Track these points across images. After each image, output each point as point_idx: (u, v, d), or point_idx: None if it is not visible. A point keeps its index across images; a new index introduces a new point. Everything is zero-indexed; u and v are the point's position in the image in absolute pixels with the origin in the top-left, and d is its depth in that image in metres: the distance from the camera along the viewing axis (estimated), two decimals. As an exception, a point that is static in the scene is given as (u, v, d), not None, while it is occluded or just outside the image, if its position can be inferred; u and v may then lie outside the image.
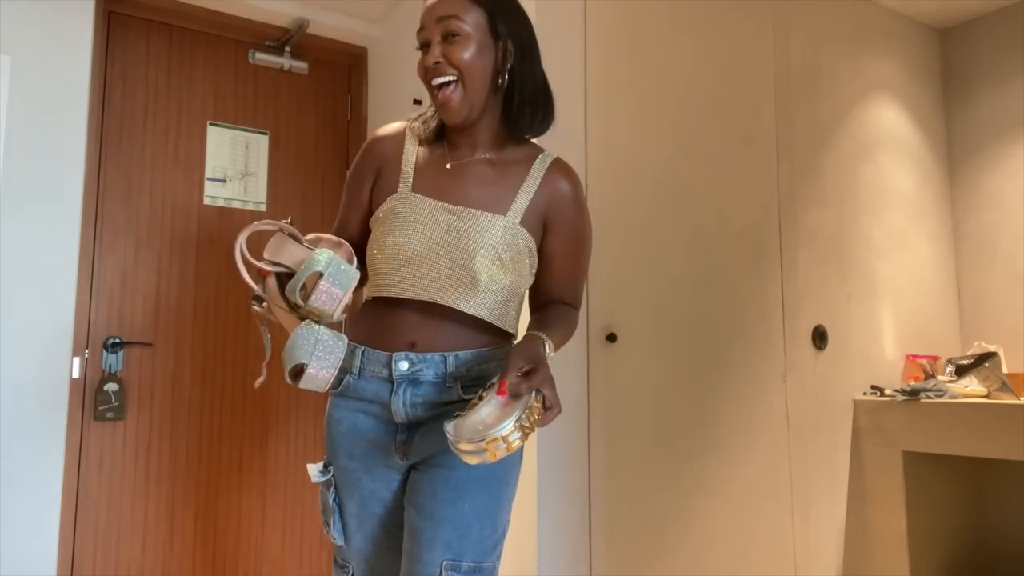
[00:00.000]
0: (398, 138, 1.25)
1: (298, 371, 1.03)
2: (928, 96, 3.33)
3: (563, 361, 2.05)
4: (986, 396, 2.59)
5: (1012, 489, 2.88)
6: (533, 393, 1.00)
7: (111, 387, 2.33)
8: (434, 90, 1.16)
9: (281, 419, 2.67)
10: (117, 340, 2.36)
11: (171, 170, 2.55)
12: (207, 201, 2.61)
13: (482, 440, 0.95)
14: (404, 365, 1.14)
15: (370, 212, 1.25)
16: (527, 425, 0.97)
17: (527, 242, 1.19)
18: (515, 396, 0.99)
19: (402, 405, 1.15)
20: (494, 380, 1.05)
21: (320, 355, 1.03)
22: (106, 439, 2.34)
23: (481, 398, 1.04)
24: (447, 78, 1.14)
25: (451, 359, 1.15)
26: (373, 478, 1.19)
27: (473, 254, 1.13)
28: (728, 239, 2.49)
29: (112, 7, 2.46)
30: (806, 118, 2.80)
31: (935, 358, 3.03)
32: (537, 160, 1.22)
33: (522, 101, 1.20)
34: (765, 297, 2.56)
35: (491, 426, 0.96)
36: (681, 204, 2.39)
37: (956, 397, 2.57)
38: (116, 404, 2.32)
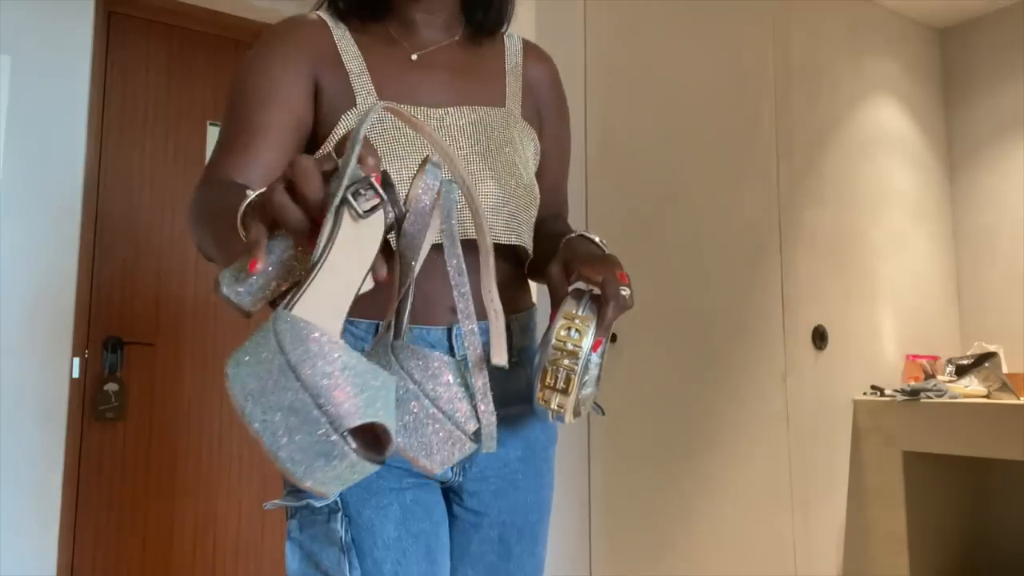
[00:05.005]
0: (320, 26, 0.89)
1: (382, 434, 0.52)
2: (928, 96, 3.33)
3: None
4: (986, 396, 2.59)
5: (1012, 489, 2.88)
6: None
7: (111, 387, 2.33)
8: None
9: (281, 419, 2.66)
10: (117, 340, 2.36)
11: (171, 170, 2.55)
12: (207, 201, 2.61)
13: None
14: (457, 338, 0.82)
15: (304, 125, 0.85)
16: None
17: (532, 138, 0.93)
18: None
19: None
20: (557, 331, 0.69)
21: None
22: (106, 439, 2.33)
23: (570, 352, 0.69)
24: None
25: (514, 325, 0.87)
26: (419, 480, 0.83)
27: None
28: (728, 239, 2.49)
29: (112, 7, 2.46)
30: (806, 118, 2.80)
31: (935, 358, 3.03)
32: (506, 37, 0.97)
33: None
34: (765, 297, 2.56)
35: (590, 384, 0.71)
36: (681, 204, 2.39)
37: (956, 397, 2.57)
38: (116, 404, 2.32)
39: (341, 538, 0.77)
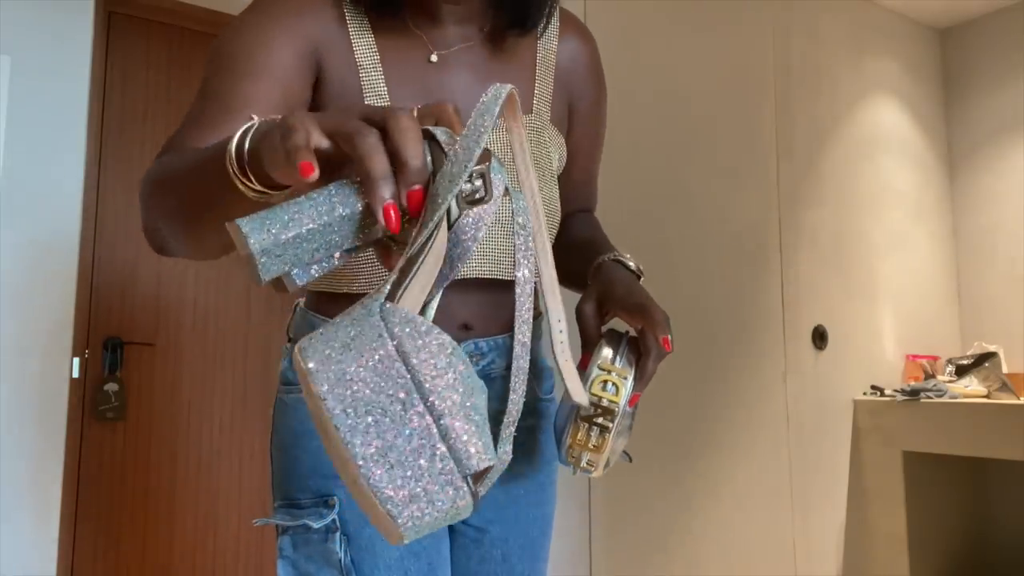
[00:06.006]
0: (329, 4, 0.75)
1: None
2: (928, 96, 3.33)
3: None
4: (986, 396, 2.59)
5: (1012, 489, 2.88)
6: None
7: (111, 387, 2.33)
8: None
9: (281, 419, 2.66)
10: (117, 340, 2.36)
11: (171, 170, 2.55)
12: (207, 201, 2.60)
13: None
14: (472, 357, 0.77)
15: (297, 108, 0.72)
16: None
17: (559, 144, 0.84)
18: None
19: None
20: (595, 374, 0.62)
21: None
22: (106, 439, 2.33)
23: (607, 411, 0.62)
24: None
25: None
26: None
27: None
28: (728, 239, 2.49)
29: (112, 7, 2.46)
30: (806, 118, 2.80)
31: (935, 358, 3.03)
32: (546, 22, 0.85)
33: None
34: (765, 297, 2.56)
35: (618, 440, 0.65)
36: (681, 204, 2.39)
37: (956, 397, 2.57)
38: (116, 404, 2.32)
39: (340, 560, 0.71)
